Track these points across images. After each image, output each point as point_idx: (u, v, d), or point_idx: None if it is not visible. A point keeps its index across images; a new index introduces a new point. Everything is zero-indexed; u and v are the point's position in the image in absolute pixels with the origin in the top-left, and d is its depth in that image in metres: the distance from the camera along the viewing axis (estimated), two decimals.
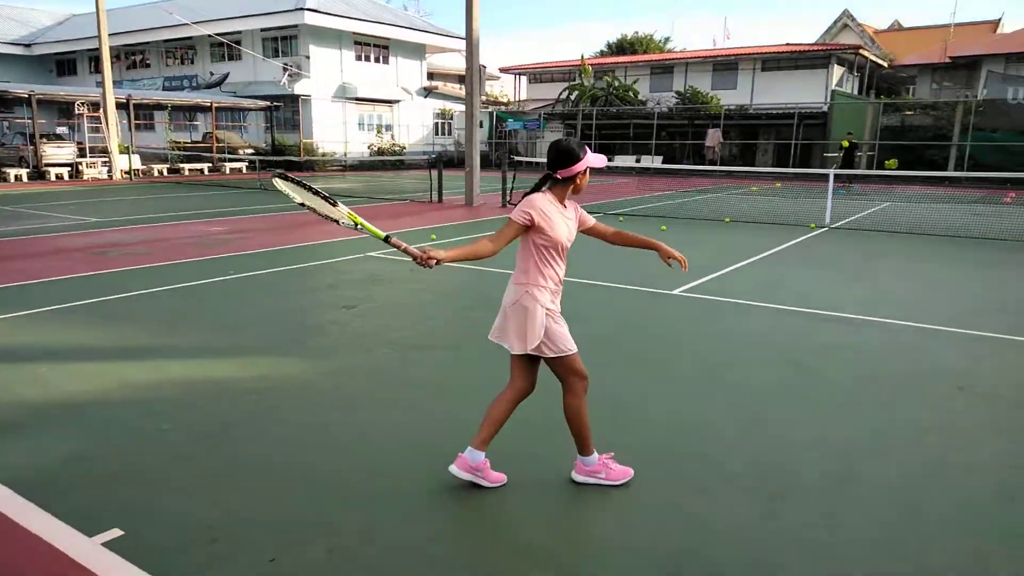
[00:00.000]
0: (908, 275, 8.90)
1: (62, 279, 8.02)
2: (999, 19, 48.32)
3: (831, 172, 13.85)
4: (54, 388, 4.58)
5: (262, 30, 33.92)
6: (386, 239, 3.12)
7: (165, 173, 27.49)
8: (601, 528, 3.12)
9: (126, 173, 25.30)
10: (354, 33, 34.65)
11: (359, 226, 3.18)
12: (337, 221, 3.23)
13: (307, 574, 2.69)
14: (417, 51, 38.57)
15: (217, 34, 33.54)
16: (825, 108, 32.76)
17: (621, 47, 55.90)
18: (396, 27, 36.12)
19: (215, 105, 30.18)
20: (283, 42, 34.25)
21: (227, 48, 34.81)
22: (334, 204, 3.16)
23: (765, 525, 3.08)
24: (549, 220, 3.18)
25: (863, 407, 4.49)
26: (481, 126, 40.12)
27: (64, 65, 42.24)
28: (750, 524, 3.09)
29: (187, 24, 31.45)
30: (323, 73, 33.84)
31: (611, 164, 29.37)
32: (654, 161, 34.15)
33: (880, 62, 41.20)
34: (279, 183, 3.24)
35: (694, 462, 3.69)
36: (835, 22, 50.42)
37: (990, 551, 2.92)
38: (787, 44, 41.58)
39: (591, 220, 3.44)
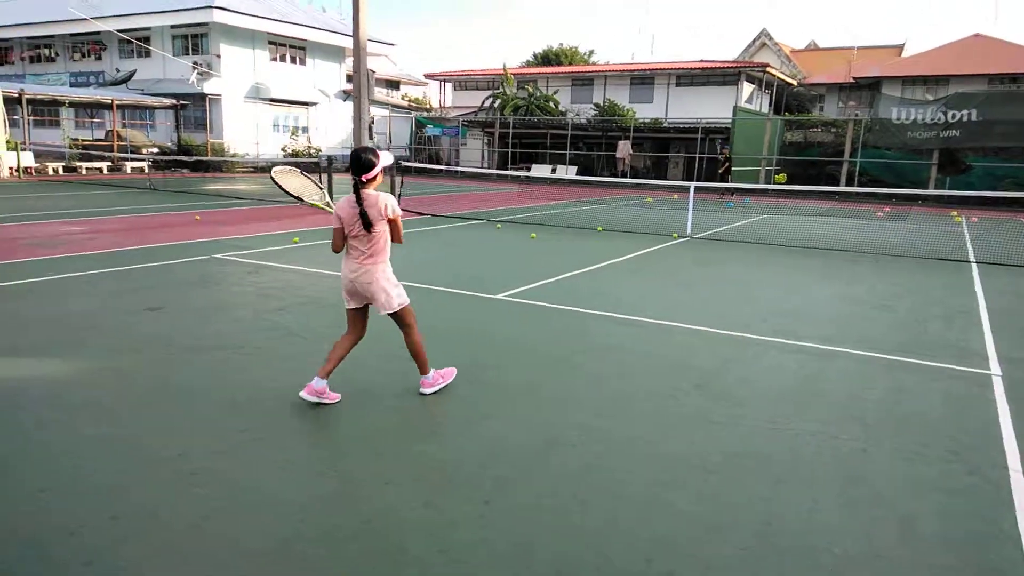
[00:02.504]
0: (728, 282, 9.35)
1: None
2: (903, 44, 50.99)
3: (692, 185, 14.41)
4: None
5: (172, 27, 33.14)
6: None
7: (61, 172, 26.52)
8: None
9: (15, 171, 24.34)
10: (268, 33, 34.19)
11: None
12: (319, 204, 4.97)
13: None
14: (336, 53, 38.29)
15: (124, 30, 32.63)
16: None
17: (546, 58, 56.71)
18: (312, 29, 35.79)
19: (116, 103, 29.30)
20: (193, 40, 33.54)
21: (136, 45, 33.88)
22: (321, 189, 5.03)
23: (479, 510, 3.27)
24: None
25: (595, 402, 4.74)
26: (371, 129, 39.79)
27: None
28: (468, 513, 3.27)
29: (89, 19, 30.46)
30: (235, 73, 33.26)
31: (528, 174, 29.85)
32: (568, 172, 34.81)
33: (789, 80, 42.90)
34: (275, 175, 4.81)
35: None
36: (753, 41, 52.31)
37: (634, 541, 3.16)
38: (701, 60, 42.95)
39: None
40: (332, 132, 38.24)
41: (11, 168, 24.25)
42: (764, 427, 4.42)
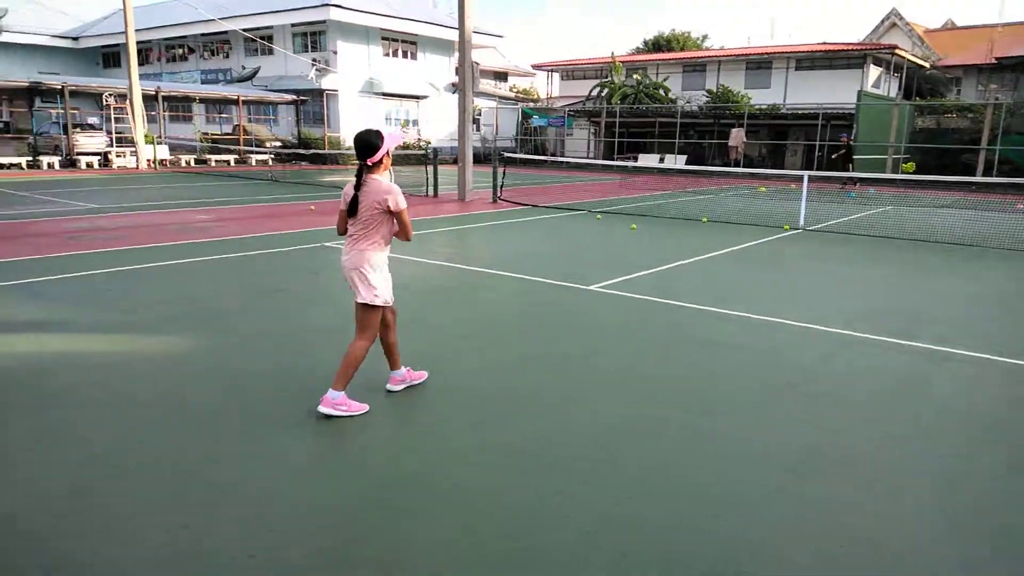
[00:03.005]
0: (839, 277, 8.87)
1: (23, 260, 8.61)
2: None
3: (806, 174, 13.72)
4: None
5: (292, 25, 34.80)
6: None
7: (192, 164, 28.49)
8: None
9: (152, 163, 26.35)
10: (382, 29, 35.28)
11: None
12: None
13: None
14: (446, 47, 39.00)
15: (248, 29, 34.54)
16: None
17: (657, 44, 55.52)
18: (424, 23, 36.62)
19: (242, 99, 31.12)
20: (312, 37, 35.09)
21: (259, 43, 35.80)
22: None
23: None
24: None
25: (679, 396, 4.65)
26: (478, 121, 40.33)
27: (109, 58, 43.97)
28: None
29: (216, 20, 32.44)
30: (350, 68, 34.56)
31: (635, 164, 29.41)
32: (677, 161, 34.01)
33: (921, 62, 40.05)
34: None
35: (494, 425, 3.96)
36: (882, 21, 49.21)
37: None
38: (823, 43, 40.81)
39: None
40: (441, 124, 39.01)
41: (148, 160, 26.26)
42: (858, 429, 4.19)
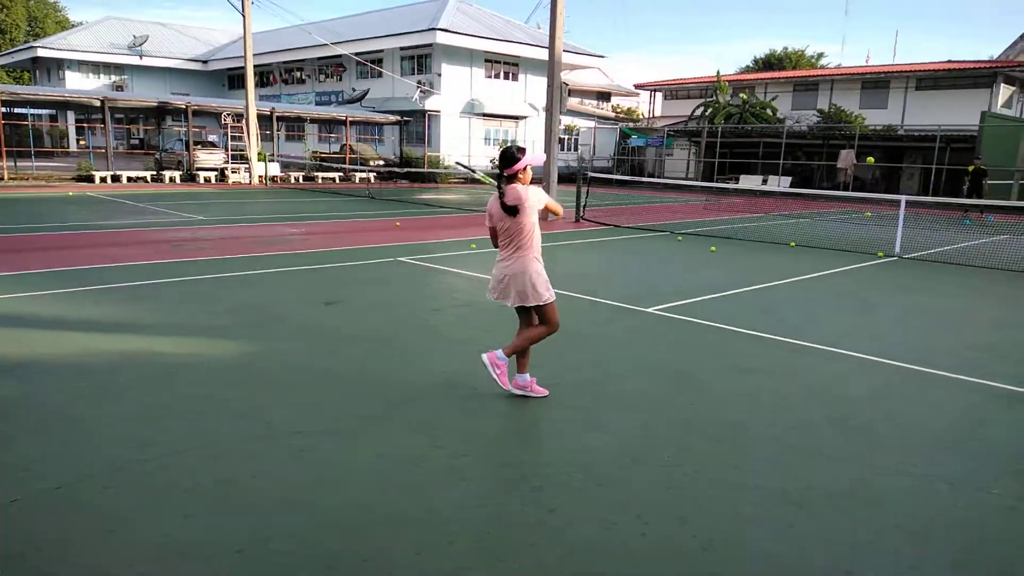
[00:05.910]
0: (924, 309, 8.31)
1: (125, 265, 9.36)
2: None
3: (903, 198, 12.93)
4: (22, 348, 5.59)
5: (401, 49, 36.19)
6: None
7: (300, 180, 30.03)
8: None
9: (263, 179, 27.98)
10: (485, 52, 36.11)
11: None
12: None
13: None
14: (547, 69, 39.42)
15: (360, 53, 36.19)
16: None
17: (768, 63, 54.08)
18: (526, 45, 37.20)
19: (349, 119, 32.58)
20: (419, 60, 36.36)
21: (370, 67, 37.42)
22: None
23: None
24: None
25: (707, 424, 4.50)
26: (561, 141, 40.45)
27: (234, 80, 47.09)
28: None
29: (329, 44, 34.17)
30: (453, 90, 35.54)
31: (736, 186, 28.56)
32: (781, 183, 32.79)
33: None
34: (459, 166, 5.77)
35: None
36: (1021, 36, 45.86)
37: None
38: (948, 61, 38.49)
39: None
40: (539, 144, 39.42)
41: (260, 176, 27.90)
42: (890, 469, 3.92)
